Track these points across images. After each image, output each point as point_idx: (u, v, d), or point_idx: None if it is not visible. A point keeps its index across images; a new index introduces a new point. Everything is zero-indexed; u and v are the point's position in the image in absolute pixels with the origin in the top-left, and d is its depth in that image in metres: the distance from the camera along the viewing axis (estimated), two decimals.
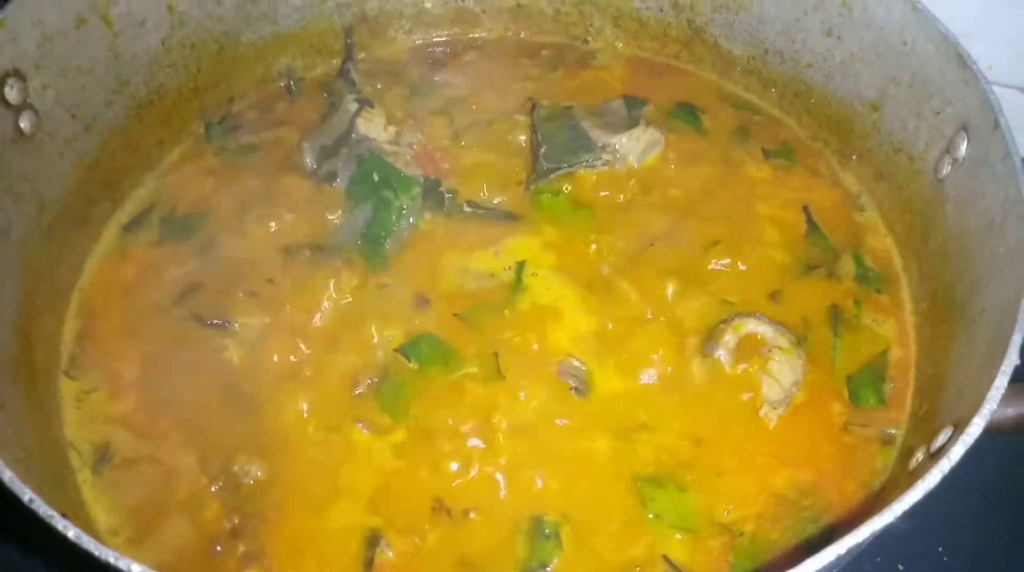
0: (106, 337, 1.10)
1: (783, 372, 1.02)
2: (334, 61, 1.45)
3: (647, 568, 0.92)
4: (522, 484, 0.97)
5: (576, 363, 1.05)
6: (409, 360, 1.04)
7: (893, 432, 1.02)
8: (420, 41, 1.50)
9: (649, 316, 1.10)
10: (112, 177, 1.22)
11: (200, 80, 1.33)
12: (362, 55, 1.46)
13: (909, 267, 1.17)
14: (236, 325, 1.07)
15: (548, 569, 0.92)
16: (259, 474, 0.96)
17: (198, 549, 0.93)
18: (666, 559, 0.92)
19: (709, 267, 1.14)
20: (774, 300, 1.12)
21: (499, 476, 0.97)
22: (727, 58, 1.42)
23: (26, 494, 0.71)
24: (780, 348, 1.03)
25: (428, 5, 1.49)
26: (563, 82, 1.40)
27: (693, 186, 1.23)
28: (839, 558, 0.68)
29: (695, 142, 1.30)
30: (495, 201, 1.22)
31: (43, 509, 0.71)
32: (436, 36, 1.51)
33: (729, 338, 1.04)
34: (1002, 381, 0.77)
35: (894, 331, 1.12)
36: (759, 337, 1.04)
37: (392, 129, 1.25)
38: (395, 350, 1.05)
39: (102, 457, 1.00)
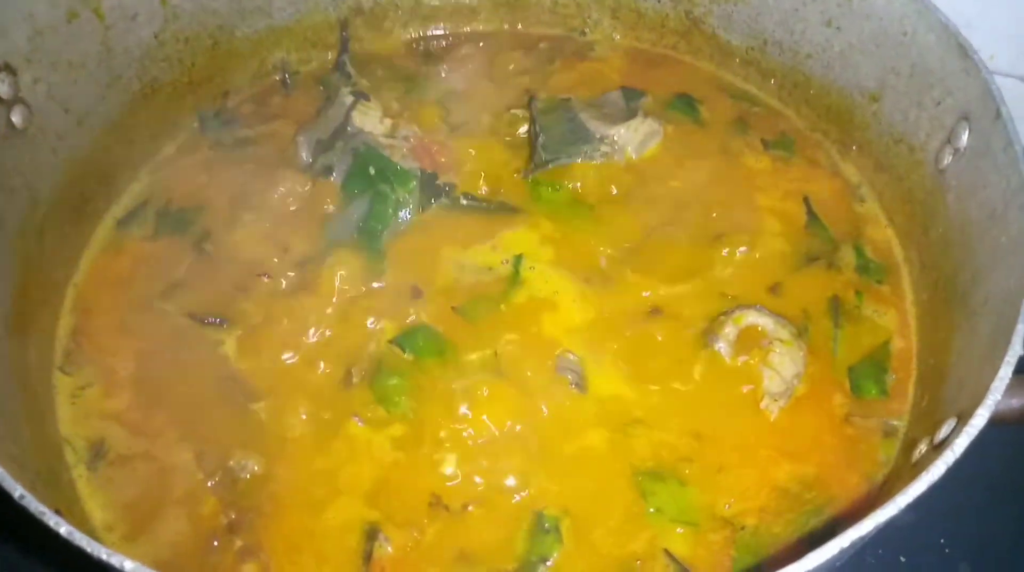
0: (101, 332, 1.09)
1: (784, 364, 1.02)
2: (330, 54, 1.44)
3: (648, 562, 0.91)
4: (521, 478, 0.96)
5: (574, 357, 1.04)
6: (404, 351, 1.03)
7: (895, 423, 1.02)
8: (416, 34, 1.49)
9: (648, 309, 1.09)
10: (106, 171, 1.21)
11: (194, 74, 1.32)
12: (357, 48, 1.44)
13: (910, 257, 1.16)
14: (231, 320, 1.07)
15: (548, 563, 0.91)
16: (255, 469, 0.96)
17: (195, 545, 0.92)
18: (667, 553, 0.91)
19: (708, 259, 1.13)
20: (774, 292, 1.11)
21: (498, 470, 0.96)
22: (726, 49, 1.41)
23: (17, 490, 0.71)
24: (781, 340, 1.03)
25: None
26: (560, 74, 1.39)
27: (692, 177, 1.23)
28: (843, 551, 0.67)
29: (693, 133, 1.29)
30: (493, 194, 1.21)
31: (34, 505, 0.70)
32: (432, 29, 1.50)
33: (729, 330, 1.04)
34: (1006, 372, 0.77)
35: (895, 322, 1.11)
36: (759, 329, 1.04)
37: (388, 122, 1.24)
38: (390, 342, 1.04)
39: (97, 453, 0.99)
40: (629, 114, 1.25)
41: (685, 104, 1.33)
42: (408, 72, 1.40)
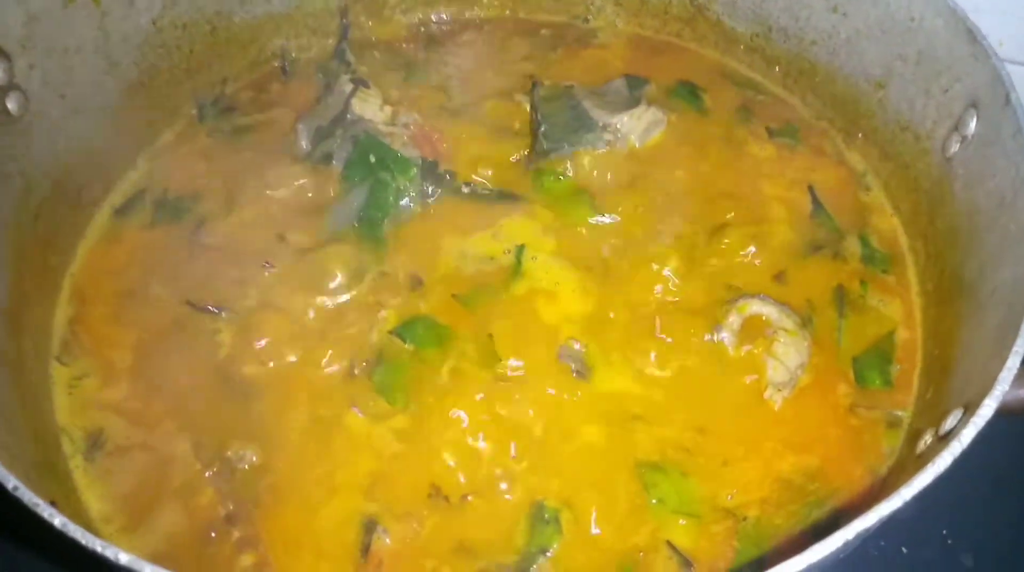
0: (98, 322, 1.09)
1: (788, 354, 1.01)
2: (329, 41, 1.43)
3: (650, 554, 0.91)
4: (522, 469, 0.95)
5: (577, 346, 1.03)
6: (405, 341, 1.03)
7: (900, 414, 1.01)
8: (417, 20, 1.48)
9: (651, 298, 1.08)
10: (103, 159, 1.20)
11: (192, 61, 1.30)
12: (358, 35, 1.43)
13: (916, 247, 1.15)
14: (230, 309, 1.06)
15: (548, 554, 0.90)
16: (254, 459, 0.95)
17: (192, 536, 0.91)
18: (669, 544, 0.91)
19: (712, 248, 1.12)
20: (779, 281, 1.10)
21: (498, 461, 0.95)
22: (730, 36, 1.39)
23: (10, 481, 0.70)
24: (785, 329, 1.02)
25: None
26: (563, 61, 1.38)
27: (696, 166, 1.21)
28: (847, 543, 0.67)
29: (697, 122, 1.28)
30: (494, 182, 1.20)
31: (28, 497, 0.69)
32: (433, 15, 1.49)
33: (733, 319, 1.03)
34: (1014, 362, 0.76)
35: (900, 312, 1.10)
36: (764, 318, 1.03)
37: (388, 109, 1.23)
38: (390, 332, 1.03)
39: (94, 444, 0.99)
40: (632, 102, 1.24)
41: (689, 92, 1.32)
42: (408, 59, 1.39)
